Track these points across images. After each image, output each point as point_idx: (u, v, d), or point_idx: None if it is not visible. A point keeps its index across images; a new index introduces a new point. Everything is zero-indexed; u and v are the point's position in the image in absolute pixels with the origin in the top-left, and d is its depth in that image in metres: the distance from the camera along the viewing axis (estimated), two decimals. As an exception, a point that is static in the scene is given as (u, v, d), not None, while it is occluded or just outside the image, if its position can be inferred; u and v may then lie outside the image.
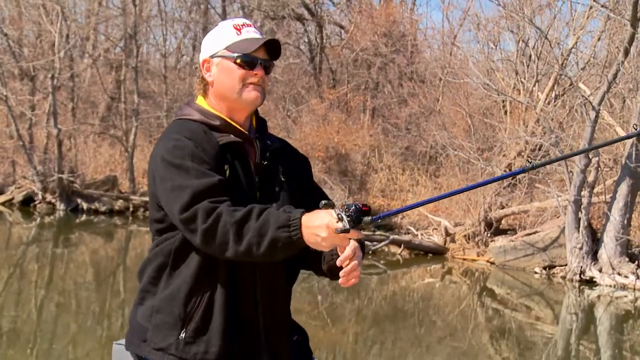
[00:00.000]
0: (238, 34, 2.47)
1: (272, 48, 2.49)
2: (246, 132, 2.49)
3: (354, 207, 2.02)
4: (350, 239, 2.11)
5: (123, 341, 2.57)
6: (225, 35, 2.48)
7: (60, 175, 19.19)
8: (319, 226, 2.10)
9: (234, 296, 2.38)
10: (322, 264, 2.47)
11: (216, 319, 2.36)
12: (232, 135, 2.44)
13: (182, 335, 2.36)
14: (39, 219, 18.63)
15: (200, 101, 2.53)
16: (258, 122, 2.59)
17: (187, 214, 2.24)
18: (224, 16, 25.00)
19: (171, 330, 2.37)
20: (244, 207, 2.22)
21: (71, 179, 19.49)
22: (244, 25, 2.50)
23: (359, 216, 2.02)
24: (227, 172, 2.37)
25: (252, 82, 2.44)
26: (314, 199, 2.45)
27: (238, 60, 2.44)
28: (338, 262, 2.22)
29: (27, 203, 19.68)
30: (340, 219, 2.03)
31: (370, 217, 2.05)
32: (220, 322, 2.36)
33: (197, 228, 2.22)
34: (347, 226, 2.01)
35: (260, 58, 2.45)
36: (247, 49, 2.43)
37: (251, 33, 2.49)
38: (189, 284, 2.37)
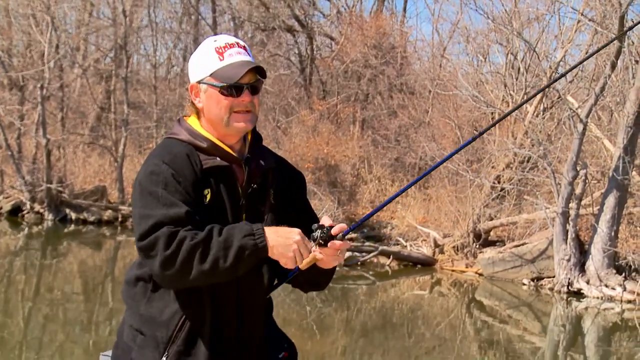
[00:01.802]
0: (221, 60, 2.40)
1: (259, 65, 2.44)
2: (235, 155, 2.45)
3: (325, 228, 2.32)
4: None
5: (110, 352, 2.58)
6: (209, 61, 2.42)
7: (48, 185, 19.13)
8: (291, 230, 2.29)
9: (217, 319, 2.38)
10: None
11: (200, 344, 2.35)
12: (217, 159, 2.41)
13: (164, 358, 2.36)
14: (26, 229, 18.55)
15: (192, 121, 2.50)
16: (253, 138, 2.54)
17: (145, 242, 2.24)
18: (214, 27, 25.03)
19: (153, 353, 2.37)
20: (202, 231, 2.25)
21: (60, 188, 19.42)
22: (226, 46, 2.42)
23: (329, 234, 2.32)
24: (208, 196, 2.37)
25: (239, 110, 2.41)
26: (302, 220, 2.48)
27: (223, 90, 2.39)
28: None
29: (15, 213, 19.59)
30: (314, 239, 2.33)
31: (341, 234, 2.32)
32: (205, 347, 2.35)
33: (157, 254, 2.21)
34: (325, 235, 2.33)
35: (246, 83, 2.40)
36: (231, 79, 2.38)
37: (234, 56, 2.41)
38: (171, 307, 2.37)
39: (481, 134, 2.77)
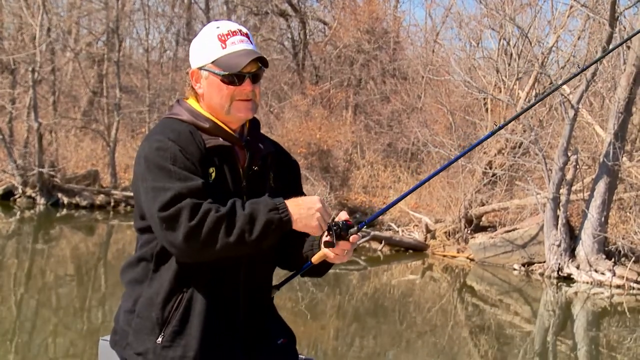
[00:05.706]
0: (223, 47, 2.39)
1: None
2: (236, 136, 2.46)
3: (342, 223, 2.35)
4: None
5: (109, 337, 2.60)
6: (211, 48, 2.41)
7: (40, 169, 19.09)
8: (311, 199, 2.32)
9: (216, 300, 2.37)
10: (300, 256, 2.53)
11: (194, 324, 2.35)
12: (220, 139, 2.41)
13: (160, 339, 2.35)
14: (18, 213, 18.52)
15: (192, 102, 2.49)
16: (251, 123, 2.55)
17: (168, 212, 2.21)
18: (207, 11, 24.95)
19: (149, 335, 2.37)
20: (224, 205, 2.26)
21: (52, 173, 19.38)
22: (229, 34, 2.41)
23: (346, 228, 2.36)
24: (213, 175, 2.37)
25: (240, 99, 2.41)
26: None
27: (225, 78, 2.39)
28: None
29: (7, 197, 19.55)
30: (329, 232, 2.34)
31: (355, 227, 2.36)
32: (199, 327, 2.35)
33: (181, 225, 2.19)
34: (340, 233, 2.35)
35: (248, 72, 2.40)
36: (233, 68, 2.37)
37: (237, 44, 2.40)
38: (167, 287, 2.36)
39: (505, 124, 2.84)
